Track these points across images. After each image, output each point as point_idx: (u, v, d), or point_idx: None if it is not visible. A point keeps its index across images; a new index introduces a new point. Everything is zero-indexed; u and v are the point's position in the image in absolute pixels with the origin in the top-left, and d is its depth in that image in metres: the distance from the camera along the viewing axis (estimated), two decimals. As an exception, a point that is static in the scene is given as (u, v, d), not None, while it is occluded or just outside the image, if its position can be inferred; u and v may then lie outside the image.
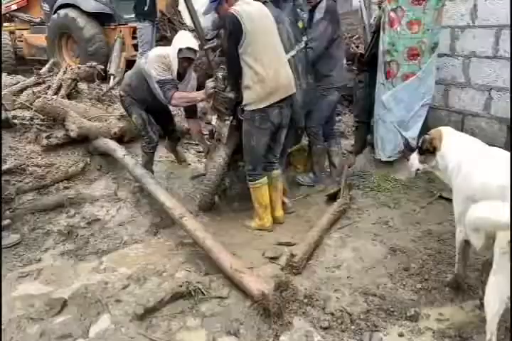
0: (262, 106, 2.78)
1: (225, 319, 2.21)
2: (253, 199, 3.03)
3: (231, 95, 2.91)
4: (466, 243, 2.14)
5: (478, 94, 3.84)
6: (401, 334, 2.06)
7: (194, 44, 3.14)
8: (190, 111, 3.55)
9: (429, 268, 2.50)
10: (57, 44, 6.92)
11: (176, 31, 6.70)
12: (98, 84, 4.58)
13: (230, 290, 2.40)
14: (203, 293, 2.39)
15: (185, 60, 3.13)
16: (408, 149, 3.71)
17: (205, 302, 2.33)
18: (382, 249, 2.72)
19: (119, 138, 3.87)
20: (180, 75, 3.23)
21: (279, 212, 3.13)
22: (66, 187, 3.39)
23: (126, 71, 6.03)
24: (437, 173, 2.35)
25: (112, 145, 3.65)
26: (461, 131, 2.74)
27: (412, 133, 3.66)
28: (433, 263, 2.56)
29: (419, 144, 2.35)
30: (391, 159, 3.74)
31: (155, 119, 3.53)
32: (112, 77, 5.65)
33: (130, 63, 6.14)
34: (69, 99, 4.11)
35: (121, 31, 6.46)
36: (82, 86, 4.51)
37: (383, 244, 2.77)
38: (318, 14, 3.34)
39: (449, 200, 3.25)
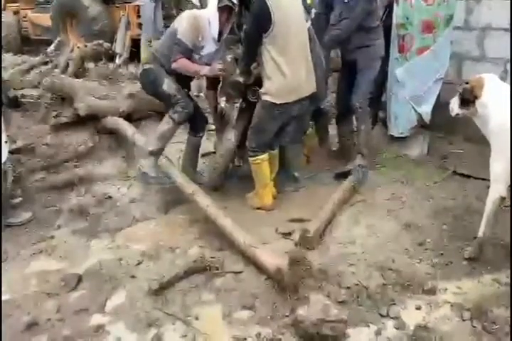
0: (280, 101, 2.72)
1: (240, 293, 2.21)
2: (254, 176, 2.98)
3: (241, 79, 2.83)
4: (502, 200, 2.17)
5: (494, 68, 3.73)
6: (418, 308, 2.05)
7: None
8: (213, 83, 3.27)
9: (444, 243, 2.48)
10: (61, 23, 6.82)
11: (182, 10, 6.59)
12: (105, 62, 4.52)
13: (244, 265, 2.40)
14: (217, 268, 2.39)
15: (225, 9, 2.87)
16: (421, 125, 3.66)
17: (220, 278, 2.33)
18: (396, 225, 2.69)
19: (128, 117, 3.83)
20: (221, 25, 2.95)
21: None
22: (76, 166, 3.39)
23: (131, 50, 5.99)
24: (476, 121, 2.32)
25: (121, 123, 3.61)
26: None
27: (426, 108, 3.56)
28: (448, 238, 2.53)
29: (461, 91, 2.31)
30: (403, 135, 3.67)
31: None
32: (117, 56, 5.57)
33: (135, 42, 6.06)
34: (76, 77, 4.07)
35: (126, 10, 6.34)
36: (90, 65, 4.45)
37: (397, 220, 2.73)
38: None
39: (463, 176, 3.25)
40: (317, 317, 1.88)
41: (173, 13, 6.31)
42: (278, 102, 2.72)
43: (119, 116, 3.74)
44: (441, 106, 3.59)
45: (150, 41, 3.76)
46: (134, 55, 5.90)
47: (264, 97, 2.75)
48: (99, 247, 2.68)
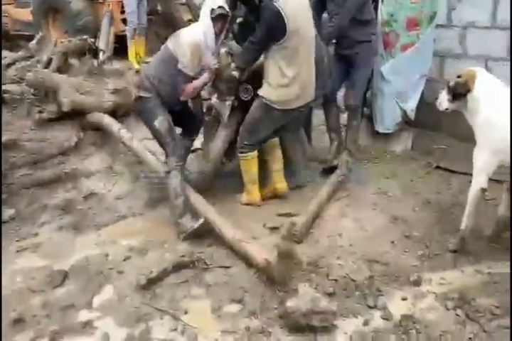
0: (279, 107, 2.72)
1: (229, 287, 2.22)
2: (242, 172, 2.98)
3: (235, 73, 2.77)
4: (483, 192, 2.23)
5: (475, 65, 3.79)
6: (404, 298, 2.09)
7: (223, 3, 2.78)
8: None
9: (430, 236, 2.54)
10: (43, 19, 6.67)
11: (168, 6, 6.53)
12: (89, 58, 4.45)
13: (233, 260, 2.41)
14: (206, 263, 2.39)
15: (219, 18, 2.73)
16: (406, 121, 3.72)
17: (209, 272, 2.34)
18: (383, 218, 2.73)
19: (113, 113, 3.78)
20: (217, 35, 2.80)
21: (281, 184, 3.02)
22: (61, 162, 3.33)
23: (115, 46, 5.90)
24: (465, 114, 2.35)
25: (106, 119, 3.57)
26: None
27: (411, 105, 3.63)
28: (434, 230, 2.59)
29: (450, 85, 2.34)
30: (389, 131, 3.72)
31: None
32: (101, 52, 5.48)
33: (119, 38, 5.98)
34: (60, 73, 3.99)
35: (109, 5, 6.24)
36: (73, 60, 4.37)
37: (384, 214, 2.78)
38: None
39: (447, 171, 3.32)
40: (306, 309, 1.90)
41: (157, 9, 6.26)
42: (277, 107, 2.72)
43: (104, 112, 3.69)
44: (425, 102, 3.67)
45: None
46: (118, 51, 5.82)
47: (264, 100, 2.73)
48: (86, 243, 2.65)
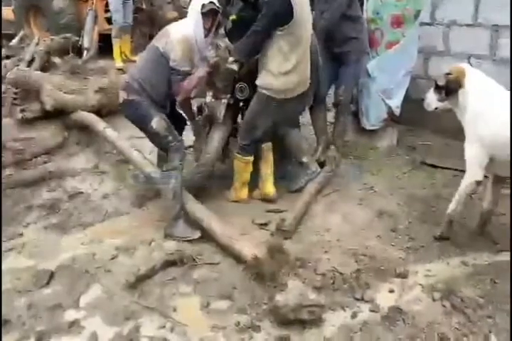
0: (279, 97, 2.67)
1: (218, 284, 2.22)
2: (235, 171, 2.95)
3: (234, 67, 2.67)
4: (477, 185, 2.28)
5: (458, 62, 3.87)
6: (391, 291, 2.12)
7: None
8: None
9: (415, 229, 2.57)
10: (25, 17, 6.56)
11: (152, 4, 6.49)
12: (73, 56, 4.39)
13: (222, 256, 2.41)
14: (194, 259, 2.38)
15: (210, 13, 2.63)
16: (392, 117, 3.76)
17: (198, 269, 2.33)
18: (369, 213, 2.76)
19: (98, 112, 3.74)
20: (207, 31, 2.71)
21: (269, 189, 2.95)
22: (45, 162, 3.29)
23: (100, 45, 5.85)
24: (456, 110, 2.37)
25: (91, 118, 3.53)
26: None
27: (396, 101, 3.67)
28: (419, 223, 2.63)
29: (441, 84, 2.34)
30: (375, 127, 3.77)
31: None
32: (85, 51, 5.43)
33: (103, 37, 5.92)
34: (42, 72, 3.94)
35: (93, 3, 6.17)
36: (56, 59, 4.31)
37: (370, 208, 2.81)
38: None
39: (431, 166, 3.37)
40: (295, 303, 1.91)
41: (142, 7, 6.21)
42: (278, 97, 2.66)
43: (89, 111, 3.65)
44: (409, 99, 3.73)
45: None
46: (103, 50, 5.76)
47: (263, 91, 2.67)
48: (72, 243, 2.61)
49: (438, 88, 2.37)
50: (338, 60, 3.39)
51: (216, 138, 2.95)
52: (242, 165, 2.92)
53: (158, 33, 2.78)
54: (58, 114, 3.63)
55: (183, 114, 3.05)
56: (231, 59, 2.67)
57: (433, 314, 1.96)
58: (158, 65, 2.61)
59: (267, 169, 2.97)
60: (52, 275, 2.31)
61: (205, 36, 2.67)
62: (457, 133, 3.06)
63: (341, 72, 3.38)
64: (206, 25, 2.64)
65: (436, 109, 2.43)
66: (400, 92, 3.68)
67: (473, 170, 2.25)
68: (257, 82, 2.69)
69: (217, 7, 2.64)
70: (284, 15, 2.48)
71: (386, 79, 3.63)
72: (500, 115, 2.14)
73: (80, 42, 5.56)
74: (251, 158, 2.90)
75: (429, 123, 3.79)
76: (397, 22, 3.57)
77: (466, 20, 3.73)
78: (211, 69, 2.71)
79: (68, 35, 4.54)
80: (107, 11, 6.14)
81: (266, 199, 2.98)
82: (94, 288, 2.23)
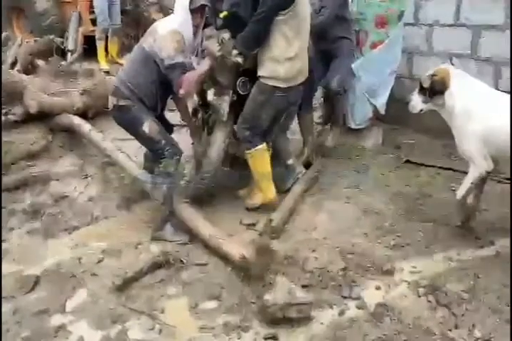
0: (284, 85, 2.57)
1: (206, 285, 2.22)
2: (253, 171, 2.75)
3: (239, 59, 2.55)
4: (487, 174, 2.30)
5: (440, 62, 3.93)
6: (378, 288, 2.14)
7: None
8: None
9: (401, 226, 2.60)
10: (7, 18, 6.46)
11: (138, 6, 6.45)
12: (57, 58, 4.34)
13: (209, 257, 2.41)
14: (182, 261, 2.37)
15: (199, 9, 2.55)
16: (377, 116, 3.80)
17: (185, 270, 2.33)
18: (355, 211, 2.78)
19: (83, 114, 3.71)
20: (196, 28, 2.64)
21: (271, 192, 2.78)
22: (29, 166, 3.24)
23: (84, 47, 5.79)
24: (441, 111, 2.39)
25: (76, 120, 3.49)
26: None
27: (381, 100, 3.71)
28: (404, 221, 2.66)
29: (426, 86, 2.35)
30: (360, 126, 3.80)
31: None
32: (69, 53, 5.37)
33: (88, 39, 5.87)
34: (26, 74, 3.88)
35: (77, 5, 6.11)
36: (40, 61, 4.25)
37: (356, 206, 2.83)
38: None
39: (416, 164, 3.41)
40: (283, 301, 1.91)
41: (128, 9, 6.17)
42: (282, 86, 2.56)
43: (74, 114, 3.62)
44: (393, 98, 3.77)
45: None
46: (88, 52, 5.71)
47: (265, 81, 2.57)
48: (58, 247, 2.59)
49: (423, 90, 2.37)
50: (326, 60, 3.41)
51: (219, 139, 2.79)
52: (256, 157, 2.70)
53: (143, 34, 2.70)
54: (42, 117, 3.58)
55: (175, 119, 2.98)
56: (235, 52, 2.55)
57: (418, 309, 1.99)
58: (146, 65, 2.53)
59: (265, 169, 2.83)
60: (37, 280, 2.28)
61: (194, 33, 2.59)
62: (439, 132, 3.14)
63: (334, 65, 3.37)
64: (195, 22, 2.56)
65: (421, 111, 2.44)
66: (385, 92, 3.72)
67: (478, 162, 2.26)
68: (260, 73, 2.57)
69: (207, 3, 2.56)
70: None
71: (371, 79, 3.66)
72: (493, 113, 2.19)
73: (64, 44, 5.51)
74: (263, 146, 2.70)
75: (412, 122, 3.84)
76: (381, 22, 3.61)
77: (448, 21, 3.79)
78: (214, 63, 2.58)
79: (52, 36, 4.48)
80: (91, 12, 6.09)
81: (269, 204, 2.81)
82: (80, 292, 2.21)
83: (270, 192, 2.78)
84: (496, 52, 3.50)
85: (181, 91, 2.50)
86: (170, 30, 2.47)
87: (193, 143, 3.05)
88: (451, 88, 2.28)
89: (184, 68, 2.49)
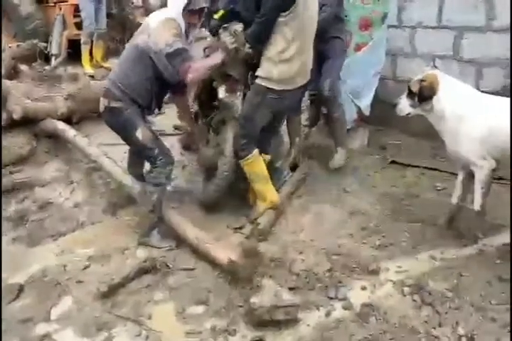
0: (277, 87, 2.49)
1: (193, 289, 2.21)
2: (250, 179, 2.69)
3: (251, 51, 2.48)
4: (492, 172, 2.30)
5: (424, 63, 3.99)
6: (364, 288, 2.16)
7: None
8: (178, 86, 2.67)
9: (386, 226, 2.62)
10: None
11: (123, 9, 6.43)
12: (41, 63, 4.30)
13: (196, 262, 2.40)
14: (168, 266, 2.37)
15: (197, 12, 2.49)
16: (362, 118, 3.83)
17: (172, 275, 2.32)
18: (341, 212, 2.80)
19: (67, 119, 3.68)
20: (193, 26, 2.57)
21: (274, 195, 2.73)
22: (13, 172, 3.20)
23: (68, 52, 5.75)
24: (429, 116, 2.40)
25: (61, 126, 3.46)
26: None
27: (365, 102, 3.74)
28: (389, 221, 2.68)
29: (414, 90, 2.35)
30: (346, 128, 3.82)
31: None
32: (53, 58, 5.33)
33: (72, 43, 5.83)
34: (9, 79, 3.84)
35: (61, 9, 6.07)
36: (23, 66, 4.22)
37: (343, 208, 2.85)
38: None
39: (401, 164, 3.44)
40: (270, 304, 1.92)
41: (113, 13, 6.15)
42: (276, 88, 2.48)
43: (58, 119, 3.59)
44: (378, 100, 3.81)
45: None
46: (72, 56, 5.67)
47: (260, 82, 2.50)
48: (42, 254, 2.56)
49: (411, 94, 2.38)
50: (318, 60, 3.39)
51: (232, 136, 2.67)
52: (251, 165, 2.65)
53: (129, 38, 2.65)
54: (26, 122, 3.55)
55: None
56: (246, 45, 2.48)
57: (404, 308, 2.01)
58: (140, 62, 2.42)
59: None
60: (21, 288, 2.25)
61: (187, 31, 2.52)
62: (424, 133, 3.17)
63: (326, 67, 3.32)
64: (190, 22, 2.50)
65: (408, 114, 2.45)
66: (369, 93, 3.75)
67: (479, 163, 2.28)
68: (257, 73, 2.52)
69: (207, 5, 2.51)
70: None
71: (355, 81, 3.69)
72: (489, 114, 2.22)
73: (48, 49, 5.47)
74: (255, 153, 2.63)
75: (397, 123, 3.87)
76: (366, 24, 3.65)
77: (431, 23, 3.84)
78: (227, 57, 2.49)
79: (36, 41, 4.44)
80: (76, 16, 6.05)
81: (272, 208, 2.75)
82: (65, 299, 2.19)
83: (273, 194, 2.73)
84: (477, 54, 3.56)
85: (189, 76, 2.38)
86: (162, 20, 2.39)
87: (188, 149, 3.00)
88: (439, 93, 2.30)
89: (186, 54, 2.38)
